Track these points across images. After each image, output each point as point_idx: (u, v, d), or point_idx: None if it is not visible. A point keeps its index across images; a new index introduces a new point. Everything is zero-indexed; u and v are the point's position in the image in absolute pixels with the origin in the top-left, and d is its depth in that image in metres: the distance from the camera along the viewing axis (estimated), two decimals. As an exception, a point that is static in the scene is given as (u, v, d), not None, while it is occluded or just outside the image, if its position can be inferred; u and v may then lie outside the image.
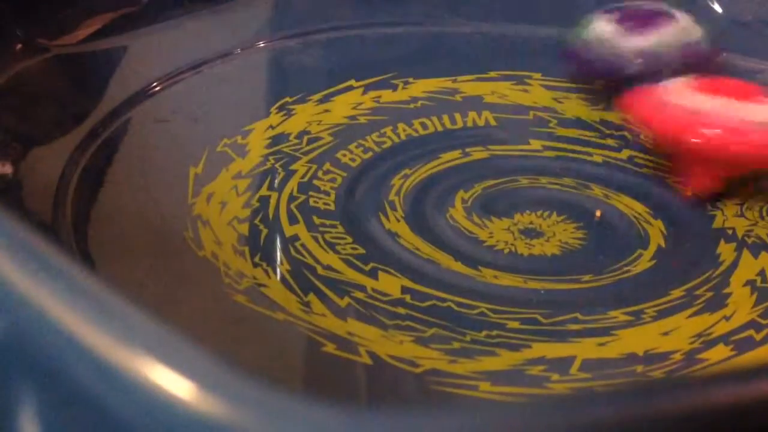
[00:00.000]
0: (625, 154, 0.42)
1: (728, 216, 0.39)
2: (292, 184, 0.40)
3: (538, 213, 0.39)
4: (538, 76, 0.47)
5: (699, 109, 0.38)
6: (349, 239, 0.37)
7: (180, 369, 0.19)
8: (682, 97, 0.39)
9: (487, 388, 0.31)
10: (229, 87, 0.46)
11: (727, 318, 0.35)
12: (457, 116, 0.44)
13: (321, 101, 0.45)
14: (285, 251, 0.37)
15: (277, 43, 0.49)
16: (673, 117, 0.38)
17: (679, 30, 0.45)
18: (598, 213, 0.39)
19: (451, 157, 0.42)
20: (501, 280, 0.36)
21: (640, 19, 0.45)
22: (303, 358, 0.34)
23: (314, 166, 0.41)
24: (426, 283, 0.35)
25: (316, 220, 0.38)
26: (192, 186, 0.39)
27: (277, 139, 0.42)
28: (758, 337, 0.34)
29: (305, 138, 0.42)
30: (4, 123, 0.41)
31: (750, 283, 0.36)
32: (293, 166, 0.41)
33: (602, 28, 0.45)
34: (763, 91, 0.39)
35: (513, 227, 0.38)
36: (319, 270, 0.36)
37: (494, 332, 0.34)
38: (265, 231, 0.38)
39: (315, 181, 0.40)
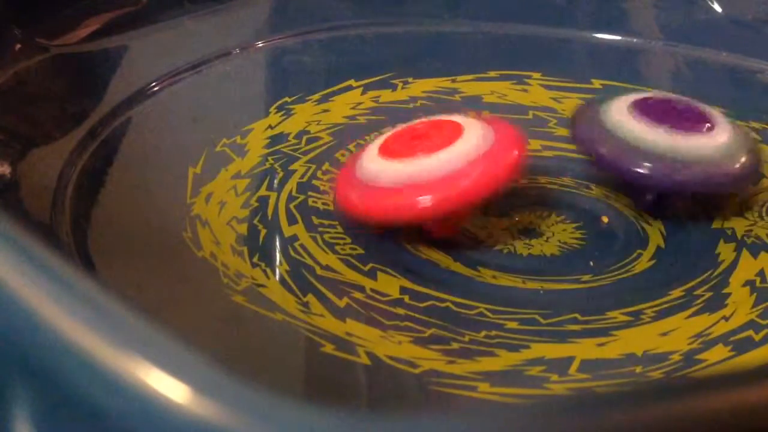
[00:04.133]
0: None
1: (728, 216, 0.39)
2: (291, 184, 0.40)
3: (537, 213, 0.39)
4: (537, 75, 0.47)
5: (394, 180, 0.35)
6: (348, 239, 0.37)
7: (175, 372, 0.19)
8: (371, 168, 0.36)
9: (486, 389, 0.31)
10: (228, 87, 0.46)
11: (726, 318, 0.35)
12: (457, 116, 0.44)
13: (320, 101, 0.45)
14: (284, 251, 0.37)
15: (277, 42, 0.49)
16: (376, 196, 0.35)
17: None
18: (605, 219, 0.39)
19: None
20: (500, 281, 0.36)
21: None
22: (301, 359, 0.34)
23: (313, 166, 0.41)
24: (425, 284, 0.35)
25: (315, 221, 0.38)
26: (191, 186, 0.39)
27: (276, 139, 0.42)
28: (757, 337, 0.34)
29: (304, 138, 0.42)
30: (3, 123, 0.41)
31: (749, 283, 0.36)
32: (292, 166, 0.41)
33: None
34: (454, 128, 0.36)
35: (512, 227, 0.38)
36: (318, 270, 0.36)
37: (493, 332, 0.34)
38: (263, 231, 0.38)
39: (314, 181, 0.40)
